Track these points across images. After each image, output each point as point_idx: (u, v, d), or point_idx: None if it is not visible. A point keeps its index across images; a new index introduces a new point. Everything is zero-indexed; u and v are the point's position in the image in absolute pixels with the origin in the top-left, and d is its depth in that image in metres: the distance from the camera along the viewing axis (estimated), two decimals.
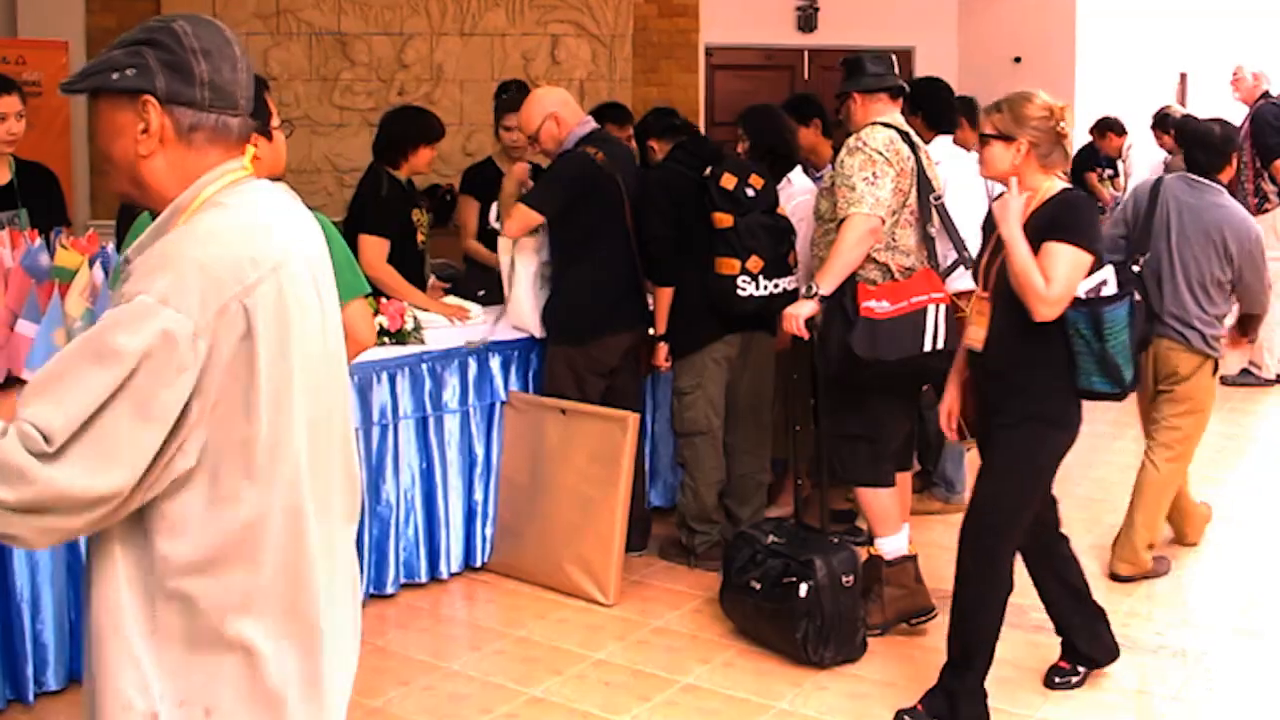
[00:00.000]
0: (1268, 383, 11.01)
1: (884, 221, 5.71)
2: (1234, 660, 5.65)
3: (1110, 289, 4.76)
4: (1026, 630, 5.87)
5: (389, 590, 6.34)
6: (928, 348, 5.67)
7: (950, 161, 6.94)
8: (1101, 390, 4.83)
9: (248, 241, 2.37)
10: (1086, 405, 4.90)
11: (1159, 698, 5.28)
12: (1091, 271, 4.76)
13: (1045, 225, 4.77)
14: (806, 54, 13.60)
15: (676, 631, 5.98)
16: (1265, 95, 10.91)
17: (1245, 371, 11.12)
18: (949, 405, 5.31)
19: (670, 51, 12.99)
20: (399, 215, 7.08)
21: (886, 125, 5.89)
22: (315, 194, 11.82)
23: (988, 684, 5.04)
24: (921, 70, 12.81)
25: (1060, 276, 4.67)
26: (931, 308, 5.68)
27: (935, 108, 7.15)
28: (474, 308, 7.15)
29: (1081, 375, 4.81)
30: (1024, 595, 6.18)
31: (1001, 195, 4.94)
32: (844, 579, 5.53)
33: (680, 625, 6.06)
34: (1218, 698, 5.30)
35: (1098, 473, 8.27)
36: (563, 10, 12.69)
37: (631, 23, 12.83)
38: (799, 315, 5.64)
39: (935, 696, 5.04)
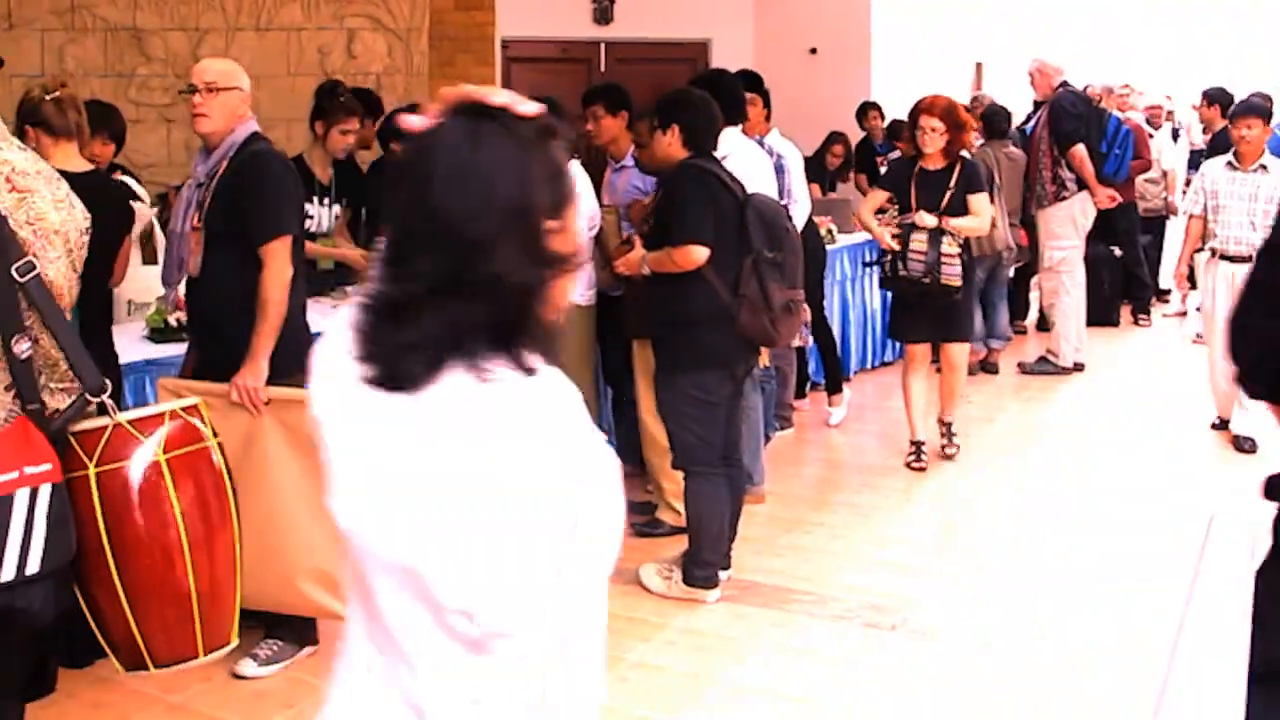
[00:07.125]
0: (1064, 371, 11.20)
1: None
2: (1023, 650, 5.72)
3: None
4: (827, 621, 5.95)
5: None
6: None
7: (740, 151, 6.99)
8: None
9: None
10: None
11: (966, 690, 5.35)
12: None
13: None
14: (603, 46, 13.58)
15: None
16: (1064, 84, 11.12)
17: (1043, 359, 11.31)
18: None
19: (466, 45, 12.85)
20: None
21: None
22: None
23: None
24: (718, 63, 12.88)
25: None
26: None
27: (726, 99, 7.16)
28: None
29: None
30: (824, 585, 6.27)
31: None
32: None
33: None
34: (1009, 687, 5.36)
35: None
36: (359, 4, 12.51)
37: (427, 16, 12.68)
38: None
39: None
